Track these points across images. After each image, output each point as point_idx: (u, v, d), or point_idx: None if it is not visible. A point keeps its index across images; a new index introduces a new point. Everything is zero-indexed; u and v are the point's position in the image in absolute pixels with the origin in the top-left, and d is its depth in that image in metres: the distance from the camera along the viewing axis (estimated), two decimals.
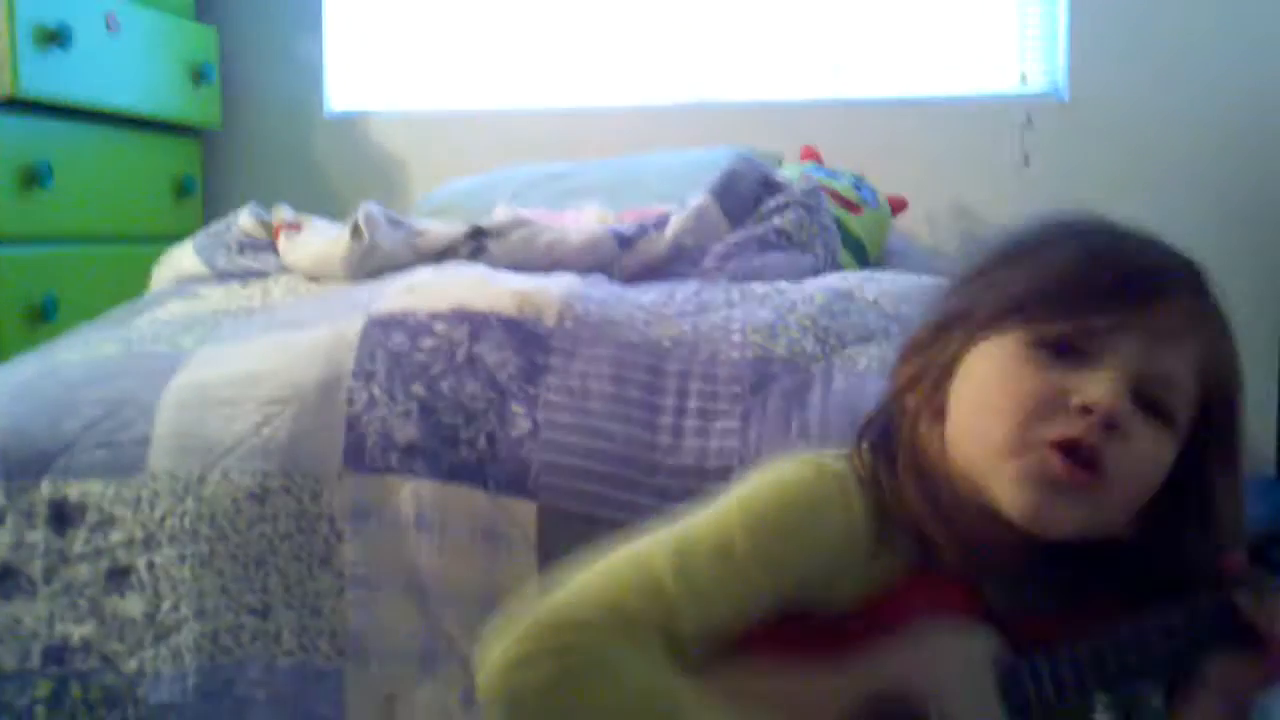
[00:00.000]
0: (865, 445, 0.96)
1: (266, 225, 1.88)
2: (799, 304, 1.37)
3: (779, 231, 1.72)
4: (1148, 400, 0.87)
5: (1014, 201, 3.10)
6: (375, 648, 1.22)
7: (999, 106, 3.11)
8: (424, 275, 1.50)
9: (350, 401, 1.26)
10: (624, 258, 1.63)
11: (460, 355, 1.28)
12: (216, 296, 1.68)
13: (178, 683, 1.21)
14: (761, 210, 1.77)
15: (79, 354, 1.45)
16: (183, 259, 1.91)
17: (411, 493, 1.22)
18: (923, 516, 0.91)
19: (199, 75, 3.06)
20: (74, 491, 1.25)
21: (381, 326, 1.32)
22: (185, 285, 1.82)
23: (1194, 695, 0.89)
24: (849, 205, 2.37)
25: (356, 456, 1.24)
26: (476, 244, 1.67)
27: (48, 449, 1.27)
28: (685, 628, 0.87)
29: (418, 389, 1.26)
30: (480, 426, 1.24)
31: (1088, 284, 0.89)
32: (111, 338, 1.50)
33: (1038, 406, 0.87)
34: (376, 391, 1.26)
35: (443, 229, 1.73)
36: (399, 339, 1.30)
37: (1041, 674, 0.88)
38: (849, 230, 2.20)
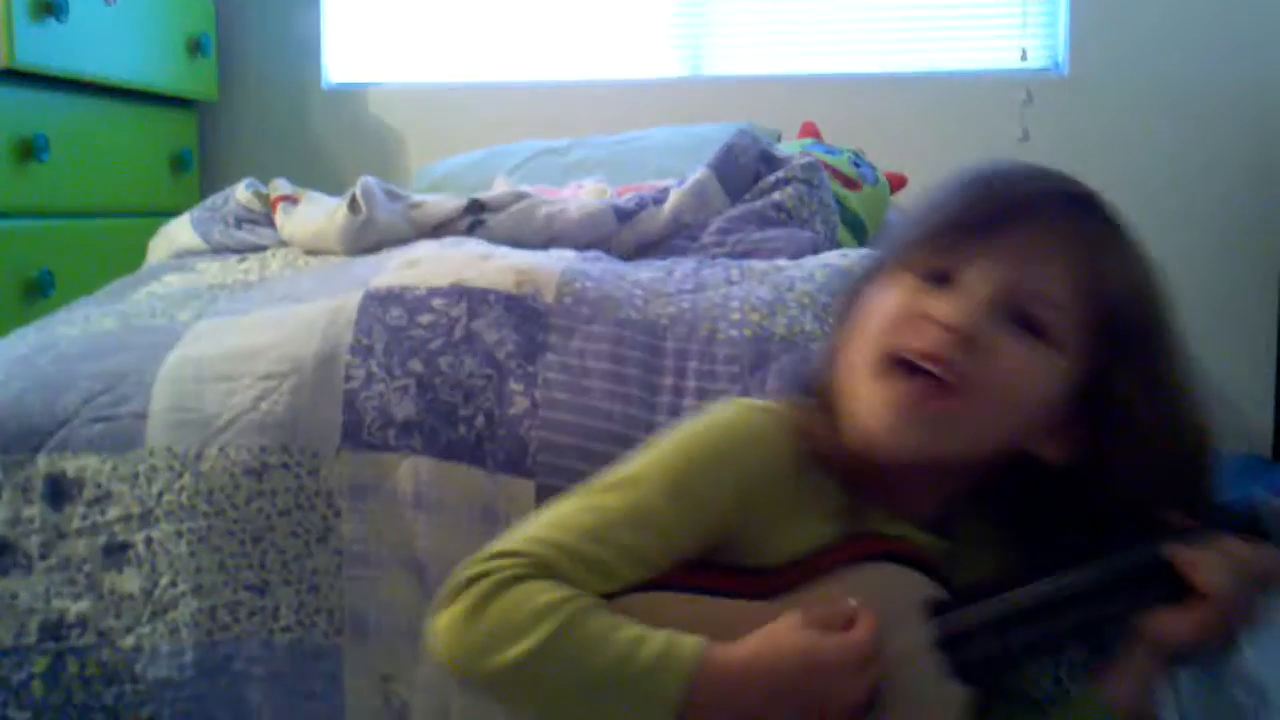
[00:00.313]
0: (800, 394, 1.01)
1: (263, 198, 1.87)
2: (798, 282, 1.36)
3: (778, 207, 1.71)
4: (1019, 317, 0.89)
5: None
6: (373, 626, 1.22)
7: (999, 82, 3.11)
8: (422, 250, 1.49)
9: (348, 378, 1.25)
10: (623, 232, 1.62)
11: (458, 332, 1.28)
12: (213, 270, 1.67)
13: (175, 659, 1.21)
14: (761, 185, 1.76)
15: (76, 328, 1.44)
16: (179, 233, 1.90)
17: (409, 470, 1.22)
18: (841, 457, 0.94)
19: (196, 47, 3.05)
20: (71, 466, 1.25)
21: (379, 301, 1.31)
22: (182, 259, 1.81)
23: (1126, 649, 0.90)
24: (848, 182, 2.36)
25: (355, 433, 1.24)
26: (474, 218, 1.66)
27: (44, 424, 1.27)
28: (621, 578, 0.90)
29: (416, 365, 1.25)
30: (479, 404, 1.23)
31: (956, 218, 0.93)
32: (108, 312, 1.49)
33: (897, 325, 0.91)
34: (374, 367, 1.25)
35: (440, 202, 1.72)
36: (397, 314, 1.30)
37: (971, 618, 0.89)
38: (848, 208, 2.19)
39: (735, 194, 1.73)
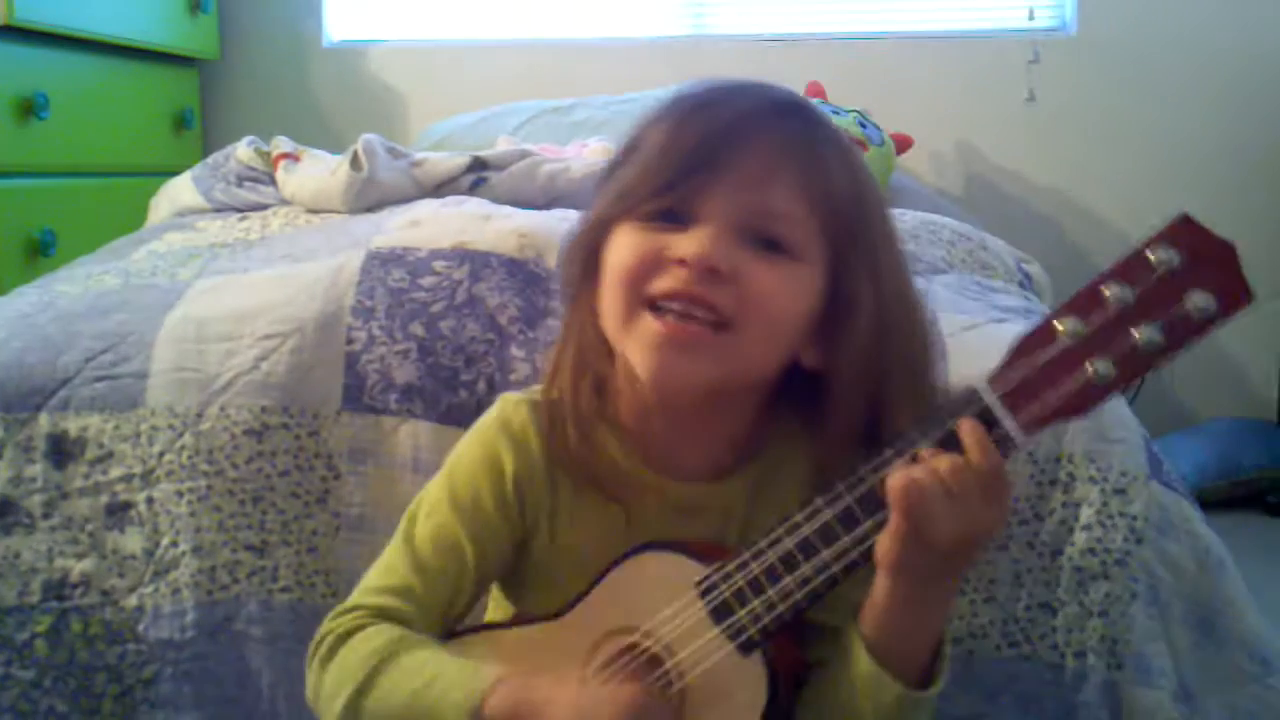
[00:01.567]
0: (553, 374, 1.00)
1: (265, 156, 1.87)
2: None
3: None
4: (760, 237, 0.89)
5: (1020, 138, 3.08)
6: None
7: (1006, 42, 3.08)
8: (424, 209, 1.48)
9: (350, 340, 1.25)
10: None
11: (460, 295, 1.27)
12: (214, 229, 1.66)
13: (176, 619, 1.21)
14: None
15: (77, 287, 1.44)
16: (181, 191, 1.89)
17: (409, 434, 1.22)
18: (578, 453, 0.95)
19: (196, 5, 3.03)
20: (73, 426, 1.25)
21: (381, 262, 1.31)
22: (183, 218, 1.80)
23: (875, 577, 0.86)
24: (854, 143, 2.34)
25: (355, 396, 1.23)
26: (477, 176, 1.65)
27: (46, 382, 1.26)
28: (448, 600, 0.96)
29: (417, 328, 1.25)
30: (480, 369, 1.23)
31: (676, 156, 0.90)
32: (109, 270, 1.49)
33: (641, 269, 0.90)
34: (376, 330, 1.25)
35: (442, 159, 1.72)
36: (399, 276, 1.29)
37: (739, 585, 0.87)
38: None
39: None
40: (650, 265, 0.89)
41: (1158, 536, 1.13)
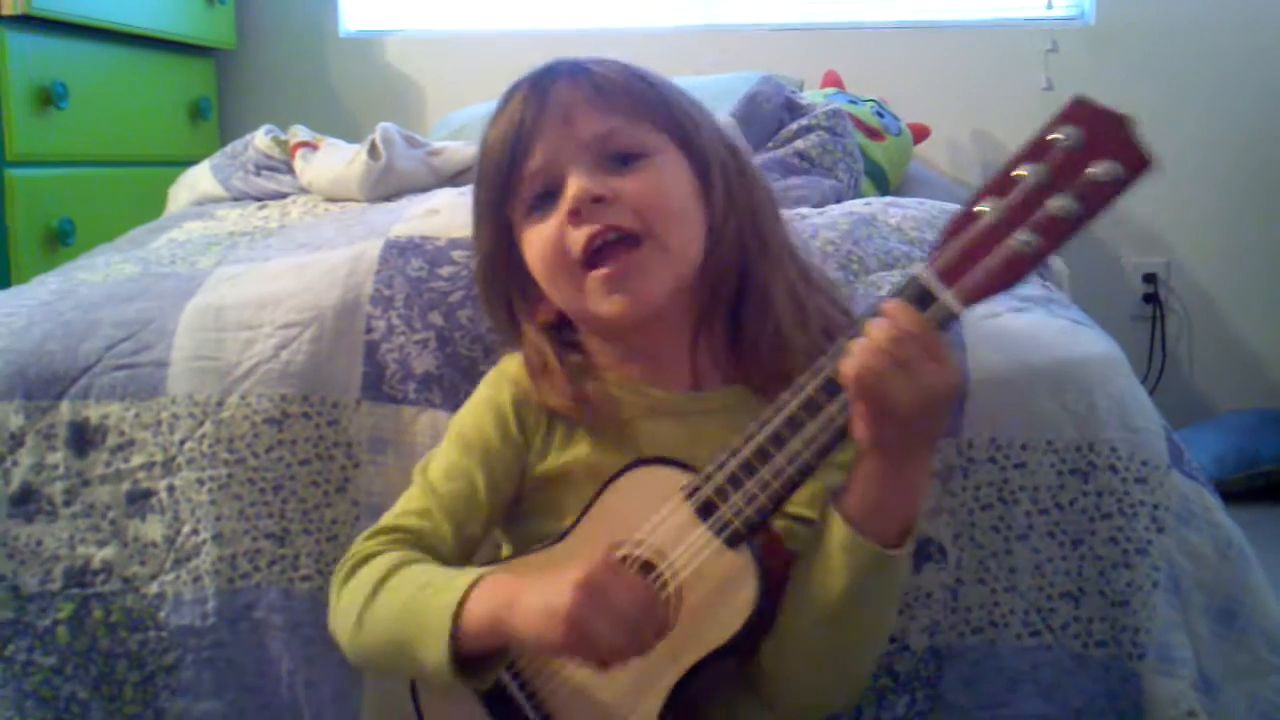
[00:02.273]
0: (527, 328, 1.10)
1: (283, 144, 1.87)
2: (822, 229, 1.35)
3: (801, 155, 1.69)
4: (614, 156, 1.01)
5: (1037, 127, 3.06)
6: None
7: (1024, 31, 3.07)
8: (443, 198, 1.48)
9: (369, 329, 1.25)
10: None
11: None
12: (233, 217, 1.67)
13: (197, 606, 1.22)
14: (784, 133, 1.75)
15: (97, 275, 1.44)
16: (200, 180, 1.90)
17: (428, 424, 1.22)
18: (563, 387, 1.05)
19: None
20: (94, 413, 1.25)
21: (400, 250, 1.31)
22: (202, 206, 1.81)
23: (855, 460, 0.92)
24: (871, 132, 2.34)
25: (375, 385, 1.24)
26: None
27: (67, 370, 1.27)
28: (461, 521, 1.04)
29: (436, 318, 1.25)
30: (498, 359, 1.23)
31: (511, 144, 1.03)
32: (129, 259, 1.49)
33: (556, 246, 1.01)
34: (395, 319, 1.25)
35: (460, 148, 1.72)
36: (417, 264, 1.29)
37: (720, 483, 0.92)
38: (871, 158, 2.17)
39: (758, 142, 1.71)
40: (559, 239, 1.01)
41: (1179, 526, 1.12)
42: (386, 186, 1.65)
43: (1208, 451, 2.65)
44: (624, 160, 1.01)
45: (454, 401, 1.21)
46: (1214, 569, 1.13)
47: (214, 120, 3.14)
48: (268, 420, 1.23)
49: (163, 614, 1.22)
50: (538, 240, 1.02)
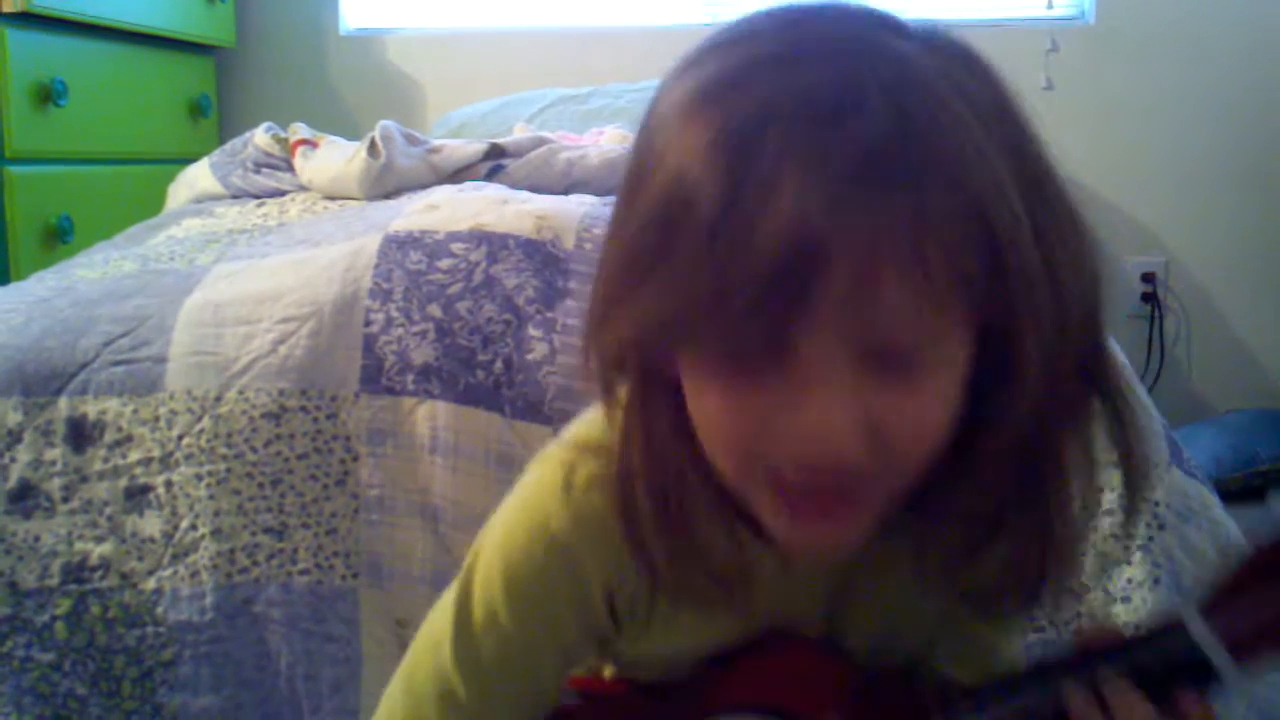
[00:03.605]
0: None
1: (282, 142, 1.87)
2: None
3: None
4: (883, 359, 0.61)
5: (1037, 127, 3.06)
6: (388, 570, 1.22)
7: (1024, 31, 3.06)
8: (442, 193, 1.48)
9: (368, 322, 1.25)
10: None
11: (478, 276, 1.27)
12: (232, 215, 1.67)
13: (196, 601, 1.22)
14: None
15: (95, 272, 1.44)
16: (199, 178, 1.90)
17: (427, 415, 1.22)
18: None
19: None
20: (92, 409, 1.25)
21: (399, 245, 1.31)
22: (201, 204, 1.81)
23: None
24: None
25: (373, 377, 1.24)
26: (494, 163, 1.65)
27: (65, 366, 1.27)
28: (498, 713, 0.81)
29: (434, 310, 1.25)
30: (497, 350, 1.23)
31: (755, 277, 0.58)
32: (127, 255, 1.49)
33: (744, 442, 0.65)
34: (394, 311, 1.25)
35: (460, 146, 1.72)
36: (416, 258, 1.29)
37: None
38: None
39: None
40: (754, 434, 0.64)
41: (1179, 523, 1.12)
42: (386, 184, 1.65)
43: (1205, 451, 2.65)
44: (894, 362, 0.62)
45: (453, 392, 1.21)
46: (1214, 566, 1.13)
47: (213, 118, 3.14)
48: (266, 415, 1.23)
49: (161, 609, 1.22)
50: (717, 412, 0.65)
